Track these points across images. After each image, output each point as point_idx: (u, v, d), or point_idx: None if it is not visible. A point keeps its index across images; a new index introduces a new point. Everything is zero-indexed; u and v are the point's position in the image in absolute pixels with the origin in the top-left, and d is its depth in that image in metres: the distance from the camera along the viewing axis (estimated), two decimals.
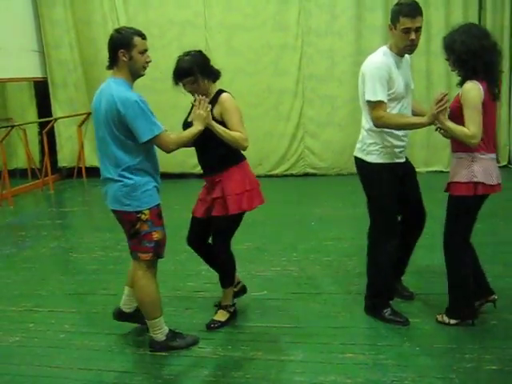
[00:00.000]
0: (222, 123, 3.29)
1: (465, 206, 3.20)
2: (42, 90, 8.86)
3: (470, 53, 3.03)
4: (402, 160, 3.44)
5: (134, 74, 3.07)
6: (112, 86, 2.99)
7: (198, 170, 7.67)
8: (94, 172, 8.63)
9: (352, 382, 2.86)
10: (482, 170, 3.12)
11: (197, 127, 3.16)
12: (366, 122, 3.39)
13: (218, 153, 3.36)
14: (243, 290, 3.84)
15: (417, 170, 3.72)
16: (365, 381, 2.86)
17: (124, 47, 2.98)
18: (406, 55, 3.37)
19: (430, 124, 3.15)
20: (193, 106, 3.28)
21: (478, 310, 3.41)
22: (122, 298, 3.49)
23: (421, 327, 3.39)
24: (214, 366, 3.11)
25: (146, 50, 3.05)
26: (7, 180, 7.37)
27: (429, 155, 7.91)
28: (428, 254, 4.40)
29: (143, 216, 3.06)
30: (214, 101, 3.32)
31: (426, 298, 3.77)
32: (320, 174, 8.24)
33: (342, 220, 5.89)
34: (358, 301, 3.73)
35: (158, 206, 3.14)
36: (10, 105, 9.16)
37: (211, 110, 3.24)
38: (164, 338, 3.25)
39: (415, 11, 3.11)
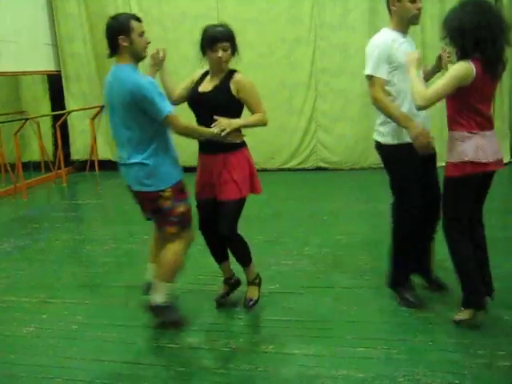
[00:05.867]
0: (237, 100, 3.35)
1: (456, 186, 3.14)
2: (55, 83, 8.91)
3: (460, 30, 2.91)
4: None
5: (137, 57, 3.09)
6: (125, 72, 3.02)
7: None
8: (106, 165, 8.68)
9: (364, 376, 2.85)
10: (473, 148, 3.03)
11: (211, 132, 3.20)
12: None
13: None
14: (238, 283, 3.82)
15: None
16: (376, 375, 2.85)
17: (123, 33, 3.01)
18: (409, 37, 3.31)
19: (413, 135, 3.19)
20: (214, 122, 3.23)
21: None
22: (148, 273, 3.51)
23: (434, 322, 3.37)
24: (225, 358, 3.12)
25: (143, 32, 3.08)
26: (21, 172, 7.42)
27: (442, 149, 7.80)
28: (443, 248, 4.36)
29: (166, 194, 3.12)
30: (227, 78, 3.36)
31: (441, 293, 3.72)
32: (332, 169, 8.21)
33: (354, 214, 5.87)
34: (370, 295, 3.72)
35: (179, 181, 3.18)
36: (24, 98, 9.23)
37: (228, 86, 3.31)
38: (164, 302, 3.18)
39: None
